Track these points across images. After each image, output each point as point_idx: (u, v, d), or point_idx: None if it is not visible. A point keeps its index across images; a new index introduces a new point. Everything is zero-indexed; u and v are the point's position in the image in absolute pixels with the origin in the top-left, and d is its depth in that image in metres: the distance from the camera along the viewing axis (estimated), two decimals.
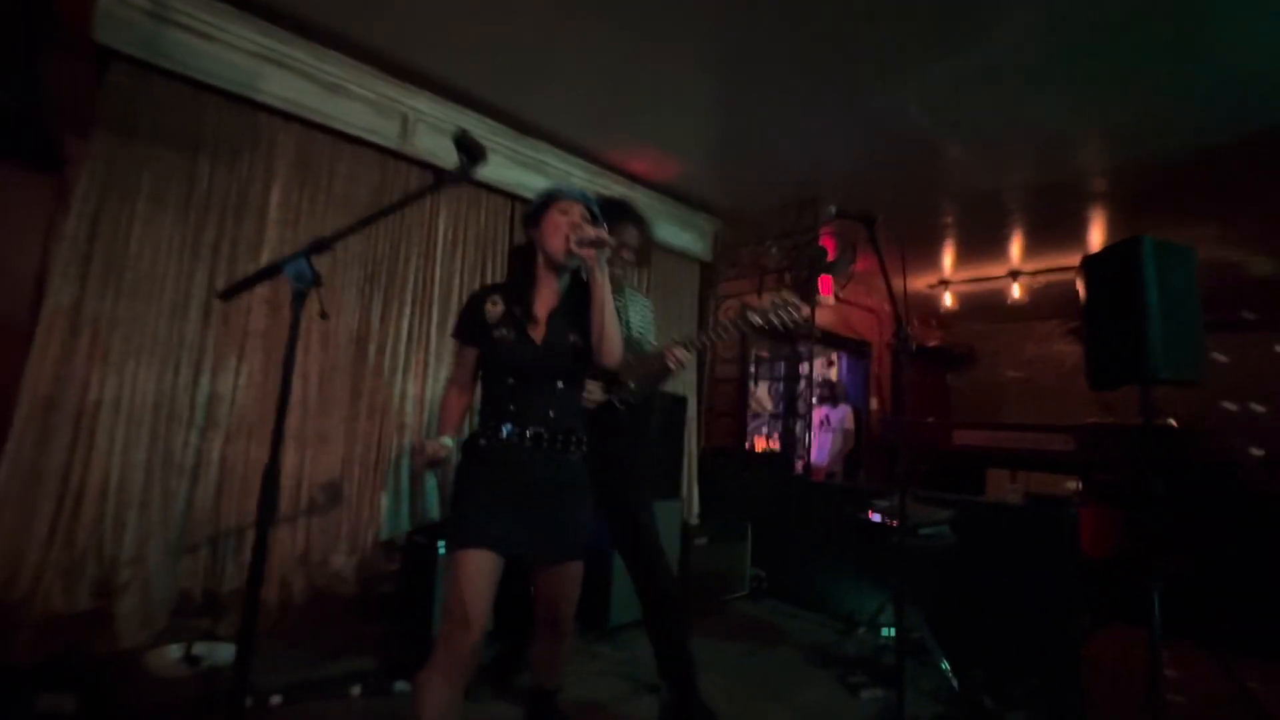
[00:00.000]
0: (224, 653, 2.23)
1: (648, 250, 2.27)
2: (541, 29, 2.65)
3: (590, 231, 1.47)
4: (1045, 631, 2.57)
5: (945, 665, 2.47)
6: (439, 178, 1.22)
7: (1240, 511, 3.65)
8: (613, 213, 1.94)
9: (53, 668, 1.96)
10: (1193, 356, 2.47)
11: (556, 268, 1.57)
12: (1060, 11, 2.39)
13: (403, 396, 3.08)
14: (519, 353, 1.50)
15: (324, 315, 1.17)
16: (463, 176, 1.20)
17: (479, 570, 1.40)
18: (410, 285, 3.14)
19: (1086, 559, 2.95)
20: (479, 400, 1.60)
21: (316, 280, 1.10)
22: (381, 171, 3.07)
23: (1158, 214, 4.25)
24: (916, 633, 2.63)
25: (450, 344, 3.22)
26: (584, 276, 1.54)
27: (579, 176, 3.78)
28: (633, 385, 2.09)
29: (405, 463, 3.05)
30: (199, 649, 2.20)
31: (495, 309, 1.52)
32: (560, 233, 1.50)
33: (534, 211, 1.59)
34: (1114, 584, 3.02)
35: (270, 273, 1.10)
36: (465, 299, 1.64)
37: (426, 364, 3.17)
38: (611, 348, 1.51)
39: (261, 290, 2.68)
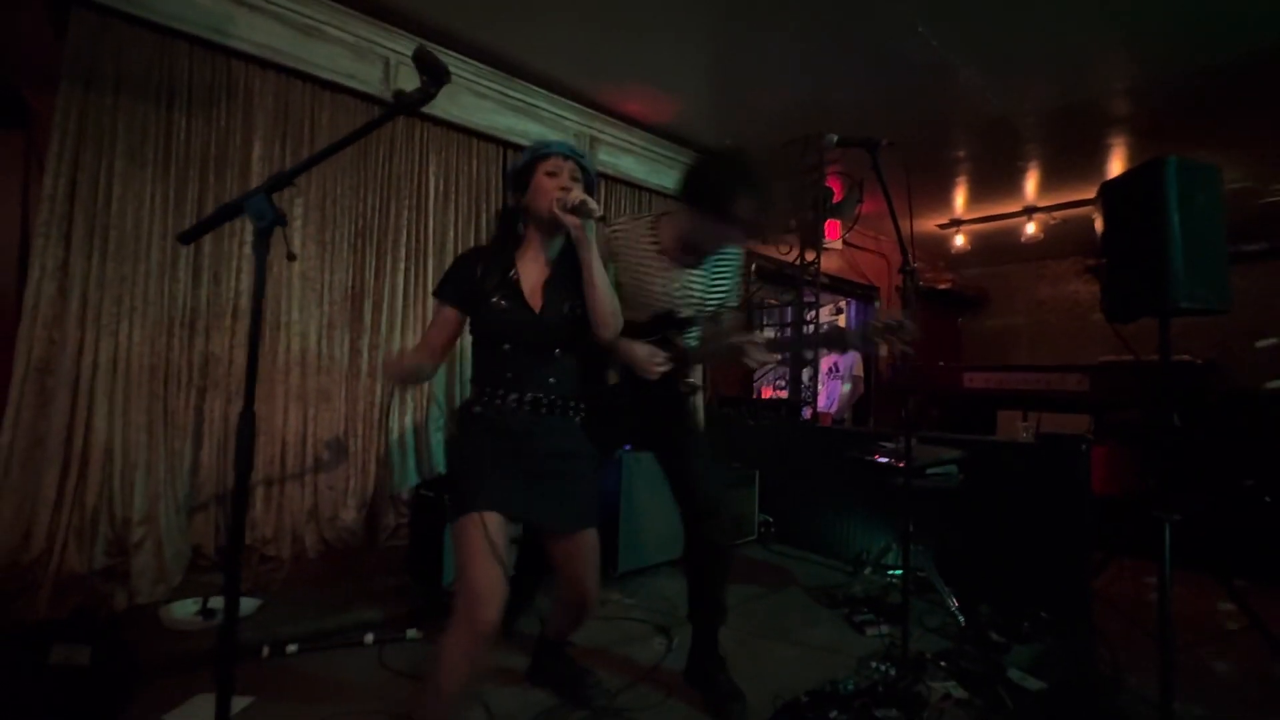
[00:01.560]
0: (240, 606, 2.28)
1: (767, 223, 1.85)
2: None
3: (573, 195, 1.37)
4: (1054, 567, 2.56)
5: (952, 602, 2.48)
6: (399, 99, 1.13)
7: (1258, 444, 3.58)
8: (738, 181, 1.67)
9: (70, 623, 2.00)
10: (1217, 284, 2.36)
11: (548, 231, 1.49)
12: None
13: (402, 351, 3.04)
14: (516, 320, 1.44)
15: (291, 256, 1.10)
16: (424, 97, 1.12)
17: (489, 536, 1.34)
18: (403, 239, 3.07)
19: (1098, 496, 2.92)
20: (468, 370, 1.59)
21: (279, 219, 1.03)
22: (366, 119, 2.94)
23: (1181, 139, 4.05)
24: (923, 572, 2.63)
25: None
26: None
27: (571, 120, 3.64)
28: (692, 371, 1.91)
29: (406, 417, 3.04)
30: (214, 602, 2.24)
31: (489, 275, 1.46)
32: (548, 196, 1.42)
33: (519, 172, 1.50)
34: (1126, 519, 2.99)
35: (231, 212, 1.04)
36: (456, 256, 1.58)
37: (424, 319, 3.12)
38: (606, 321, 1.45)
39: (249, 248, 2.62)
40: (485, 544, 1.33)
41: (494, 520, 1.36)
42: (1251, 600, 2.39)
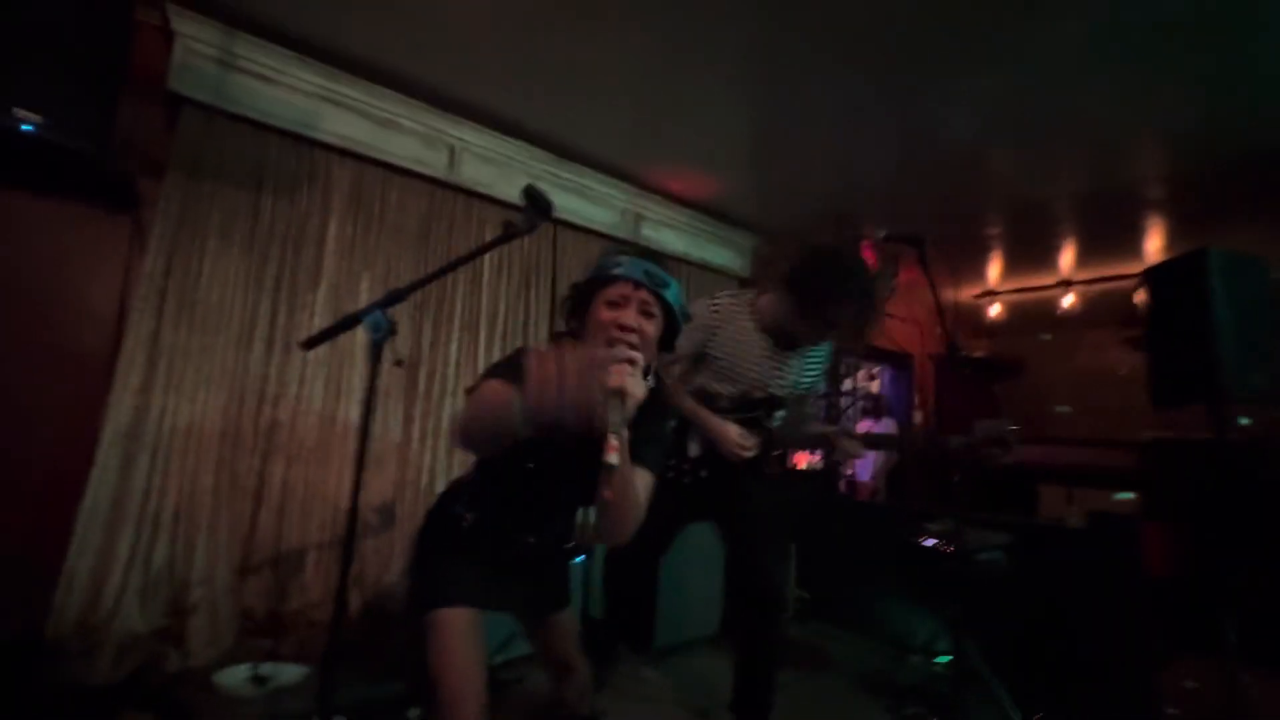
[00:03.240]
0: (289, 673, 2.31)
1: (867, 325, 1.83)
2: (578, 54, 2.70)
3: (615, 378, 0.97)
4: (1112, 659, 2.46)
5: (1006, 697, 2.39)
6: (508, 230, 1.25)
7: None
8: (841, 289, 1.68)
9: (130, 686, 2.06)
10: (1270, 373, 2.35)
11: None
12: (1116, 13, 2.32)
13: (452, 421, 3.16)
14: (549, 443, 1.15)
15: (399, 363, 1.22)
16: (531, 228, 1.23)
17: (464, 632, 1.21)
18: (458, 311, 3.22)
19: (1155, 579, 2.82)
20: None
21: (392, 330, 1.14)
22: (430, 200, 3.17)
23: (1218, 222, 4.07)
24: (972, 662, 2.55)
25: None
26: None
27: (618, 198, 3.83)
28: (777, 455, 1.95)
29: None
30: (265, 669, 2.29)
31: None
32: (603, 330, 1.14)
33: (576, 300, 1.23)
34: (1185, 609, 2.87)
35: (349, 324, 1.15)
36: (517, 349, 1.25)
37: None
38: (623, 533, 1.11)
39: (320, 318, 2.79)
40: (461, 642, 1.21)
41: (470, 617, 1.23)
42: None
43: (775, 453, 1.92)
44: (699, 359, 1.92)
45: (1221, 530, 3.22)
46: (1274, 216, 3.89)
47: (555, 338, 1.39)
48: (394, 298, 1.18)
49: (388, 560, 2.89)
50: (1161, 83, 2.71)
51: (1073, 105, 2.91)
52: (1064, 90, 2.79)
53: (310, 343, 1.20)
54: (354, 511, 1.15)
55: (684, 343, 1.81)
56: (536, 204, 1.21)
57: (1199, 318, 2.36)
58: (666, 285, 1.18)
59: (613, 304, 1.15)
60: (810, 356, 1.96)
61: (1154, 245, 4.62)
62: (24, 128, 1.97)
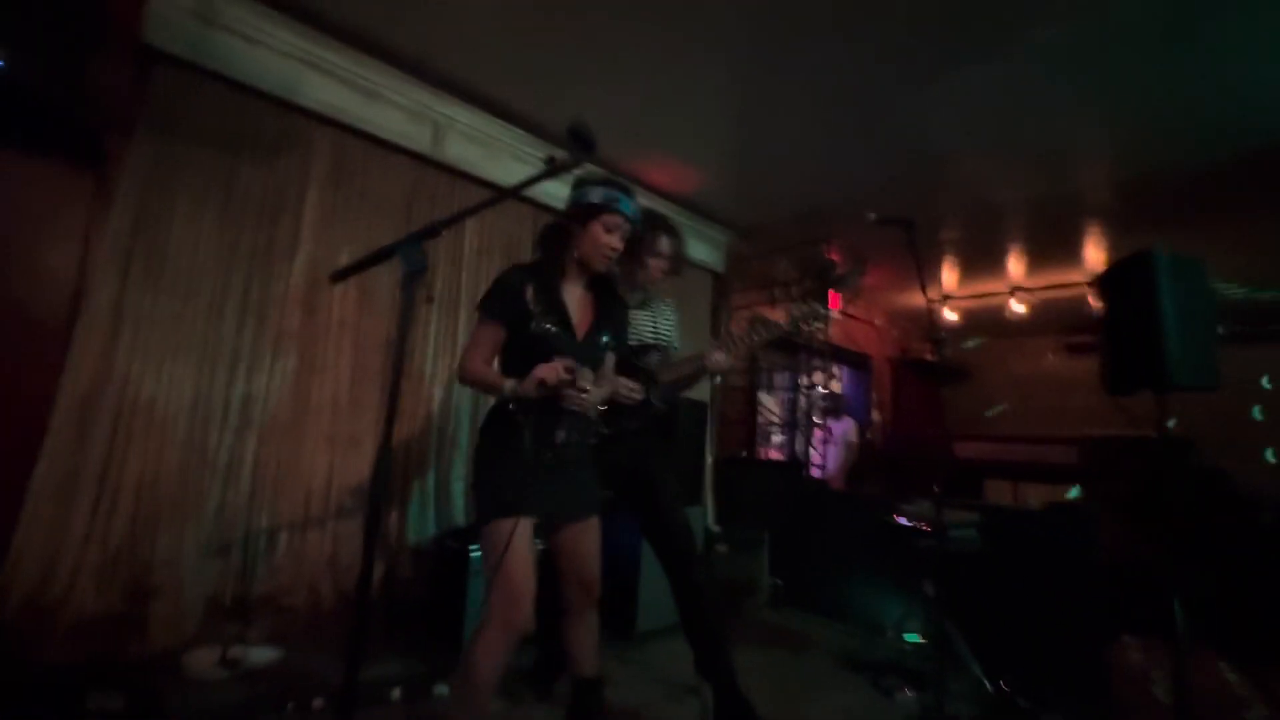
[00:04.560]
0: (260, 656, 2.20)
1: (680, 261, 2.27)
2: (569, 40, 2.72)
3: (577, 396, 1.45)
4: (1070, 635, 2.62)
5: (978, 668, 2.50)
6: (551, 164, 1.25)
7: (1242, 521, 3.74)
8: (649, 223, 2.03)
9: (93, 668, 1.92)
10: (1209, 363, 2.57)
11: (585, 269, 1.61)
12: (1075, 27, 2.49)
13: (430, 400, 3.08)
14: (564, 347, 1.51)
15: (430, 299, 1.20)
16: (575, 164, 1.24)
17: (524, 538, 1.44)
18: (438, 291, 3.15)
19: (1103, 563, 3.01)
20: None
21: (426, 264, 1.11)
22: (413, 176, 3.10)
23: (1156, 233, 4.39)
24: (946, 635, 2.66)
25: None
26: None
27: None
28: (659, 388, 2.08)
29: (429, 465, 3.04)
30: (234, 651, 2.17)
31: (535, 298, 1.53)
32: (600, 250, 1.56)
33: (583, 209, 1.57)
34: (1132, 593, 3.08)
35: (384, 256, 1.11)
36: (499, 276, 1.60)
37: (451, 368, 3.17)
38: None
39: (296, 291, 2.68)
40: (521, 547, 1.43)
41: (528, 525, 1.46)
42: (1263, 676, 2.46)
43: (655, 394, 2.04)
44: None
45: (1162, 518, 3.46)
46: (1207, 223, 4.23)
47: (549, 234, 1.65)
48: (429, 231, 1.14)
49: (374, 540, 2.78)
50: (1107, 97, 2.93)
51: (1029, 115, 3.11)
52: (1020, 100, 2.98)
53: (339, 275, 1.15)
54: (384, 464, 1.11)
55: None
56: (581, 141, 1.21)
57: (1147, 311, 2.57)
58: (639, 221, 1.65)
59: (609, 229, 1.55)
60: (660, 314, 2.19)
61: (1095, 254, 4.95)
62: None
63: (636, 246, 1.95)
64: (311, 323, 2.71)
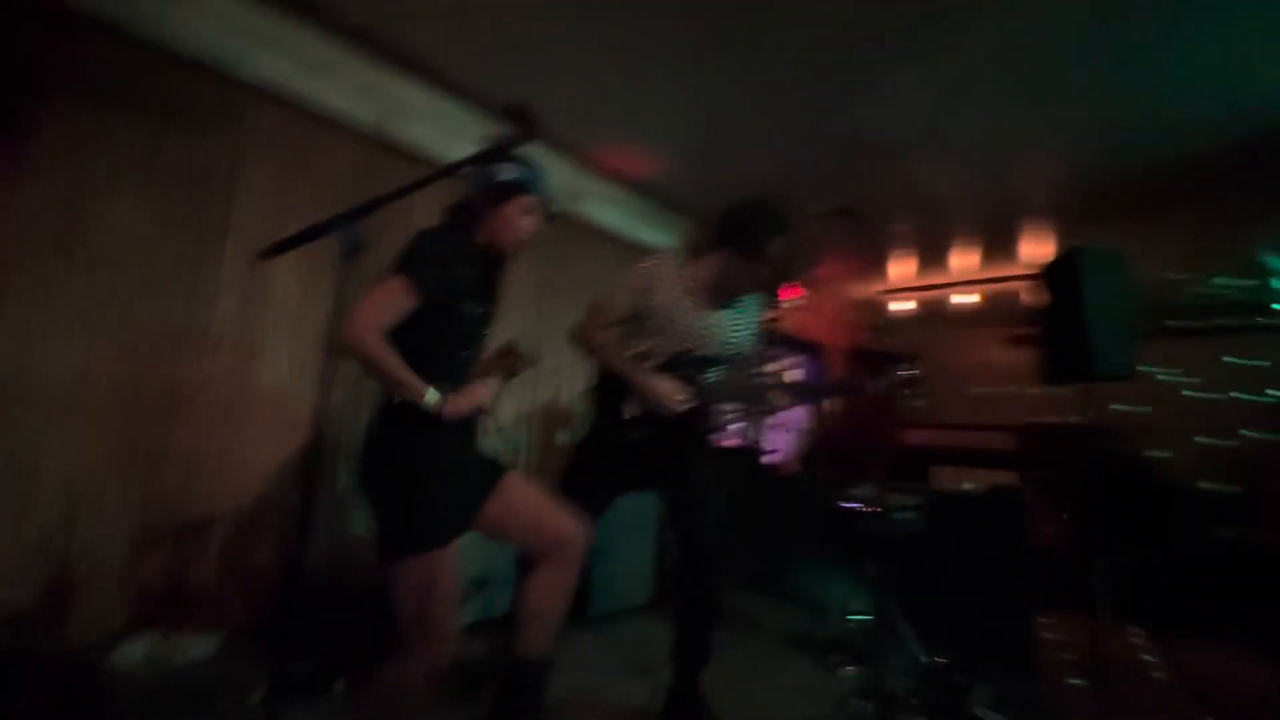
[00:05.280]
0: (190, 649, 2.12)
1: (795, 264, 2.07)
2: (527, 17, 2.66)
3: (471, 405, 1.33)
4: (1002, 611, 2.76)
5: (916, 644, 2.61)
6: (497, 143, 1.22)
7: (1162, 502, 3.99)
8: (771, 222, 1.84)
9: (4, 668, 1.81)
10: (1127, 353, 2.72)
11: (495, 251, 1.47)
12: (1010, 37, 2.59)
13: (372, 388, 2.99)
14: (482, 329, 1.43)
15: (360, 282, 1.14)
16: (519, 143, 1.21)
17: (455, 569, 1.28)
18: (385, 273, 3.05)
19: (1034, 545, 3.17)
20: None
21: (364, 243, 1.08)
22: (363, 155, 2.99)
23: (1097, 230, 4.61)
24: (887, 613, 2.76)
25: None
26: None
27: (562, 173, 3.79)
28: (719, 404, 1.99)
29: None
30: (165, 646, 2.08)
31: (466, 276, 1.37)
32: (515, 234, 1.44)
33: (495, 189, 1.41)
34: (1059, 571, 3.26)
35: (317, 232, 1.07)
36: (429, 241, 1.38)
37: None
38: None
39: (231, 274, 2.56)
40: (454, 580, 1.27)
41: (457, 551, 1.29)
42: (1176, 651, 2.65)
43: (713, 407, 1.97)
44: (632, 320, 1.94)
45: (1090, 502, 3.67)
46: (1148, 216, 4.42)
47: (462, 208, 1.45)
48: (367, 208, 1.11)
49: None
50: (1047, 99, 3.05)
51: (972, 113, 3.21)
52: (965, 98, 3.07)
53: (269, 253, 1.10)
54: (315, 452, 1.08)
55: (616, 306, 1.85)
56: (523, 121, 1.18)
57: (1075, 306, 2.70)
58: (553, 205, 1.51)
59: (526, 210, 1.43)
60: (741, 314, 2.00)
61: (1038, 248, 5.16)
62: None
63: (752, 246, 1.80)
64: (252, 305, 2.60)
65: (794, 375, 6.88)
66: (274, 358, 2.68)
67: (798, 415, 6.21)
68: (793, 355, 6.90)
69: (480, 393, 1.32)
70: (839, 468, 6.22)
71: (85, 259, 2.19)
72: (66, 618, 2.09)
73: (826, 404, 7.03)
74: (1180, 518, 3.87)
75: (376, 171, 3.03)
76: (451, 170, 1.27)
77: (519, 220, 1.44)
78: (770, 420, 5.46)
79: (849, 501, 2.81)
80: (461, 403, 1.29)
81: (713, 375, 1.96)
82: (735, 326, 1.98)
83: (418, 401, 1.25)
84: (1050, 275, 3.01)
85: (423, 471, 1.29)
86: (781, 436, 5.93)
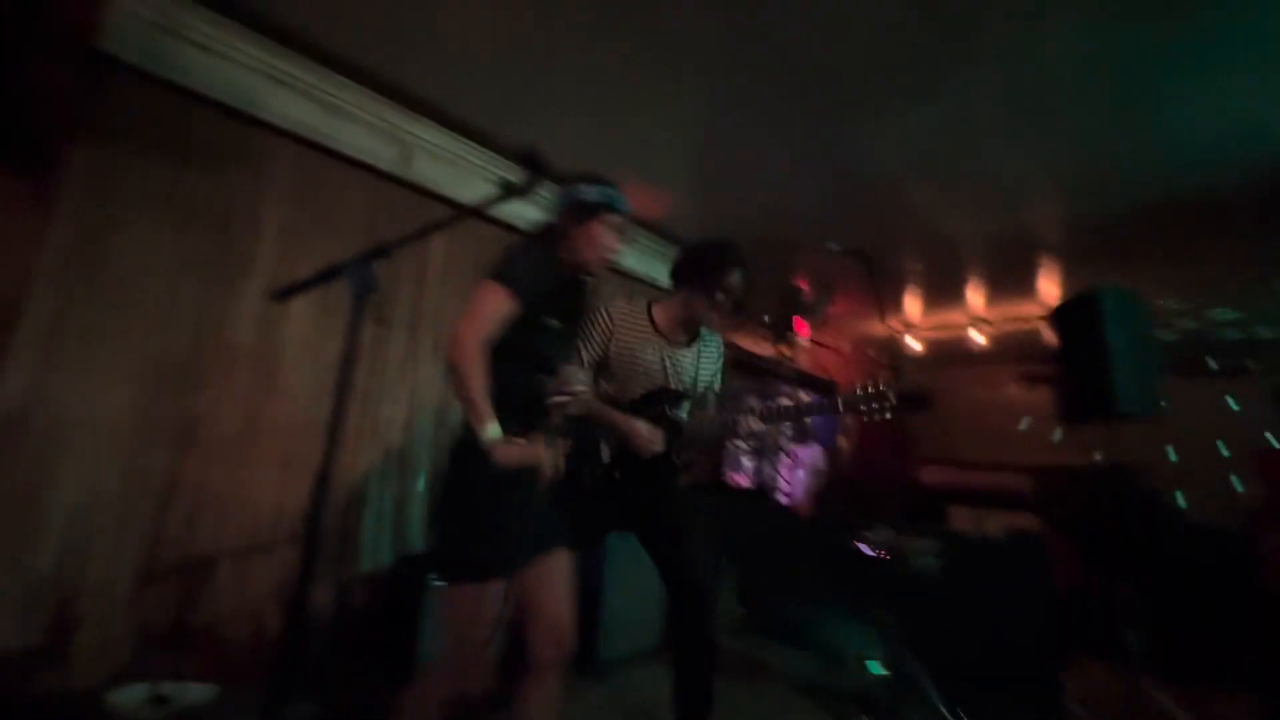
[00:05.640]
0: (194, 694, 2.07)
1: (750, 301, 2.09)
2: (538, 62, 2.74)
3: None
4: (1027, 660, 2.64)
5: (938, 699, 2.50)
6: (506, 188, 1.24)
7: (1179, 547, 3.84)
8: (725, 257, 1.91)
9: (4, 707, 1.78)
10: (1151, 392, 2.67)
11: (578, 269, 1.51)
12: (1020, 71, 2.61)
13: (390, 423, 3.00)
14: (564, 348, 1.45)
15: (380, 321, 1.16)
16: (529, 189, 1.23)
17: (497, 602, 1.28)
18: (404, 311, 3.09)
19: (1057, 591, 3.06)
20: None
21: (376, 286, 1.09)
22: (378, 194, 3.06)
23: (1108, 268, 4.58)
24: (906, 665, 2.66)
25: (442, 369, 3.17)
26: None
27: None
28: (689, 451, 1.98)
29: (387, 489, 2.95)
30: (166, 688, 2.04)
31: (556, 293, 1.43)
32: (601, 252, 1.48)
33: (581, 208, 1.48)
34: (1084, 618, 3.14)
35: (329, 275, 1.09)
36: (522, 251, 1.40)
37: (415, 390, 3.10)
38: None
39: (251, 307, 2.60)
40: (494, 612, 1.26)
41: (501, 587, 1.29)
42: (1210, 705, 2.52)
43: (684, 445, 1.96)
44: (600, 365, 1.95)
45: (1113, 546, 3.55)
46: (1159, 258, 4.40)
47: (544, 234, 1.51)
48: (379, 251, 1.12)
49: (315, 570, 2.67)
50: (1051, 137, 3.06)
51: (977, 151, 3.23)
52: (971, 136, 3.09)
53: (282, 295, 1.12)
54: (321, 493, 1.07)
55: (585, 351, 1.89)
56: (534, 166, 1.20)
57: (1095, 347, 2.66)
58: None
59: (612, 227, 1.47)
60: (705, 352, 2.03)
61: (1049, 287, 5.13)
62: None
63: (708, 281, 1.85)
64: (266, 340, 2.62)
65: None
66: (291, 390, 2.69)
67: (810, 454, 6.13)
68: (807, 393, 6.85)
69: (533, 451, 1.31)
70: (853, 508, 6.11)
71: (103, 293, 2.24)
72: (70, 655, 2.06)
73: (840, 442, 6.95)
74: (1207, 562, 3.73)
75: (391, 209, 3.10)
76: (463, 215, 1.29)
77: (603, 238, 1.48)
78: (783, 459, 5.39)
79: (864, 545, 2.75)
80: (513, 453, 1.28)
81: (683, 413, 1.98)
82: (700, 364, 2.01)
83: (477, 429, 1.26)
84: (1066, 314, 2.99)
85: (493, 502, 1.31)
86: (794, 475, 5.85)
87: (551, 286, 1.40)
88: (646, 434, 1.83)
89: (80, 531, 2.13)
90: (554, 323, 1.41)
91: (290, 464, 2.63)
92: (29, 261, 2.12)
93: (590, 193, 1.49)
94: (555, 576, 1.44)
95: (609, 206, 1.49)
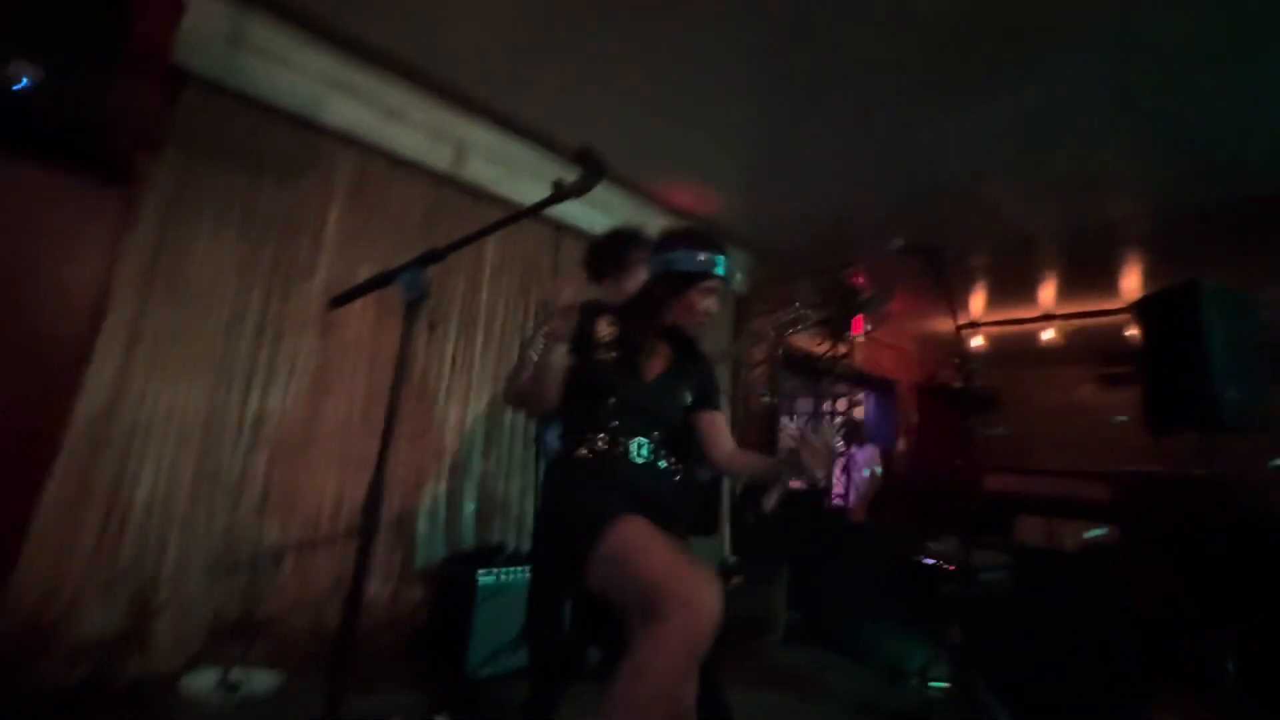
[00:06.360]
0: (261, 680, 2.16)
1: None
2: (591, 64, 2.72)
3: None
4: (1107, 689, 2.45)
5: (1002, 717, 2.35)
6: (559, 189, 1.21)
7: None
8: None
9: (87, 691, 1.89)
10: (1260, 404, 2.41)
11: (676, 333, 1.55)
12: (1114, 67, 2.41)
13: (443, 421, 3.05)
14: (624, 379, 1.45)
15: (432, 326, 1.16)
16: (584, 189, 1.19)
17: (646, 529, 1.21)
18: (455, 310, 3.13)
19: (1138, 612, 2.82)
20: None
21: (428, 291, 1.08)
22: (434, 195, 3.10)
23: (1193, 262, 4.22)
24: (972, 685, 2.51)
25: (493, 369, 3.21)
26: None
27: (623, 207, 3.82)
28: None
29: (443, 487, 3.00)
30: (235, 675, 2.13)
31: (607, 330, 1.47)
32: (697, 317, 1.50)
33: (677, 278, 1.48)
34: (1172, 644, 2.89)
35: (383, 281, 1.09)
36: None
37: (469, 388, 3.14)
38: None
39: (313, 310, 2.68)
40: (656, 536, 1.19)
41: (640, 519, 1.24)
42: None
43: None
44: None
45: (1210, 564, 3.26)
46: (1250, 258, 4.04)
47: (646, 293, 1.53)
48: (431, 257, 1.11)
49: (369, 567, 2.74)
50: (1147, 126, 2.82)
51: (1061, 144, 3.01)
52: (1053, 129, 2.88)
53: (339, 300, 1.13)
54: (377, 493, 1.07)
55: None
56: (590, 165, 1.17)
57: (1193, 347, 2.41)
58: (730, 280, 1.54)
59: (706, 292, 1.48)
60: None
61: (1131, 283, 4.77)
62: (16, 86, 1.87)
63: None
64: (328, 341, 2.71)
65: (857, 411, 6.59)
66: (350, 389, 2.77)
67: (867, 455, 5.91)
68: (862, 390, 6.63)
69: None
70: (915, 517, 5.86)
71: (178, 298, 2.35)
72: (150, 641, 2.18)
73: (899, 444, 6.69)
74: None
75: (448, 209, 3.14)
76: (517, 217, 1.27)
77: (699, 304, 1.49)
78: (837, 461, 5.22)
79: (927, 557, 2.61)
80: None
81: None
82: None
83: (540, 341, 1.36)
84: (1157, 307, 2.72)
85: (569, 491, 1.41)
86: (849, 478, 5.66)
87: (604, 328, 1.48)
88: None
89: (159, 524, 2.25)
90: (607, 356, 1.46)
91: (347, 461, 2.70)
92: (111, 268, 2.24)
93: (686, 261, 1.47)
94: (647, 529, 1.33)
95: (702, 276, 1.48)
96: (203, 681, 2.06)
